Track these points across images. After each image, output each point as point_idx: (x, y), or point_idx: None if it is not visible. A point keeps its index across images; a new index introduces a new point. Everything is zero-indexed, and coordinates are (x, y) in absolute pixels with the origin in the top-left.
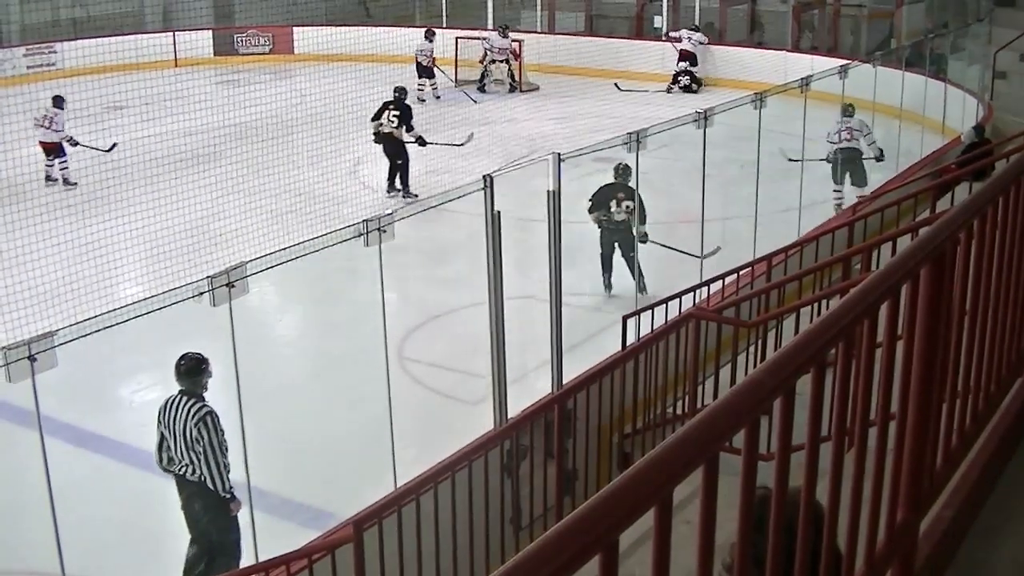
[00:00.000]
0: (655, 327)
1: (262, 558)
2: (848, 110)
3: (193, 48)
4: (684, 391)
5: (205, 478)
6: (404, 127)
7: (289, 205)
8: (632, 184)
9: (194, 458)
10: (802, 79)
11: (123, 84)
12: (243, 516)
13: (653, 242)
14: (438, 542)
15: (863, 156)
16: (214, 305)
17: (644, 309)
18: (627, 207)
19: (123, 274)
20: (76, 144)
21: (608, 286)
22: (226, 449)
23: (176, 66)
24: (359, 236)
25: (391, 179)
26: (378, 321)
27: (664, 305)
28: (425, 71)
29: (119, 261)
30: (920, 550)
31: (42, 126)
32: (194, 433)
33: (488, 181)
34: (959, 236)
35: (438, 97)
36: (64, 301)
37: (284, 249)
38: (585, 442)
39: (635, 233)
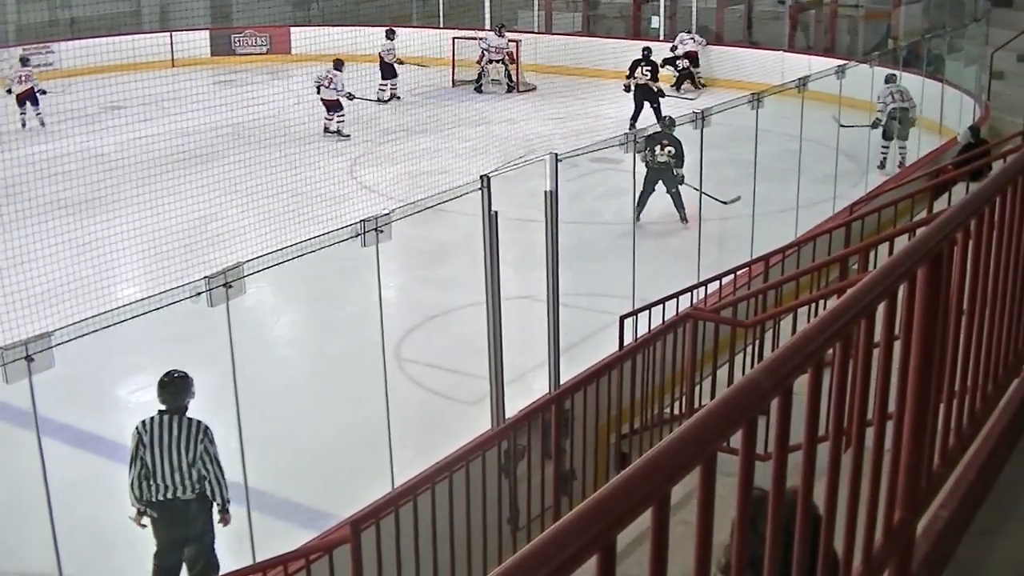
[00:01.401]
0: (652, 327)
1: (259, 558)
2: (892, 77)
3: (190, 48)
4: (681, 391)
5: (212, 491)
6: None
7: (286, 205)
8: (675, 134)
9: (195, 474)
10: (799, 79)
11: (120, 84)
12: (240, 516)
13: (687, 184)
14: (436, 542)
15: (911, 114)
16: (211, 305)
17: (641, 309)
18: (669, 152)
19: (120, 274)
20: (353, 98)
21: (637, 219)
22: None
23: (173, 66)
24: (356, 236)
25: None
26: (375, 321)
27: (661, 305)
28: (388, 70)
29: (116, 261)
30: (917, 550)
31: (323, 85)
32: (199, 450)
33: (485, 181)
34: (956, 236)
35: (398, 97)
36: (61, 301)
37: (281, 249)
38: (583, 442)
39: (675, 174)
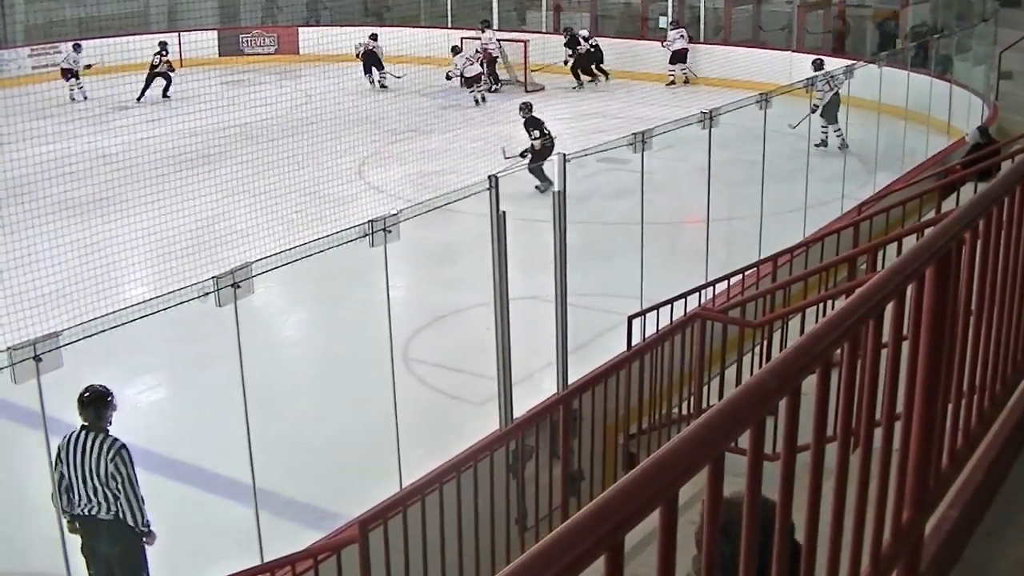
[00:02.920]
0: (660, 327)
1: (267, 558)
2: (818, 63)
3: (198, 48)
4: (690, 391)
5: (124, 514)
6: None
7: (294, 205)
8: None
9: (109, 494)
10: (807, 79)
11: (128, 84)
12: (248, 516)
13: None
14: (443, 543)
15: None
16: (219, 305)
17: (649, 310)
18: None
19: (128, 274)
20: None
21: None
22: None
23: (181, 66)
24: (364, 236)
25: None
26: (383, 321)
27: (669, 306)
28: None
29: (124, 261)
30: (925, 550)
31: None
32: (110, 469)
33: (493, 181)
34: (964, 236)
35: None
36: (69, 301)
37: (289, 249)
38: (591, 442)
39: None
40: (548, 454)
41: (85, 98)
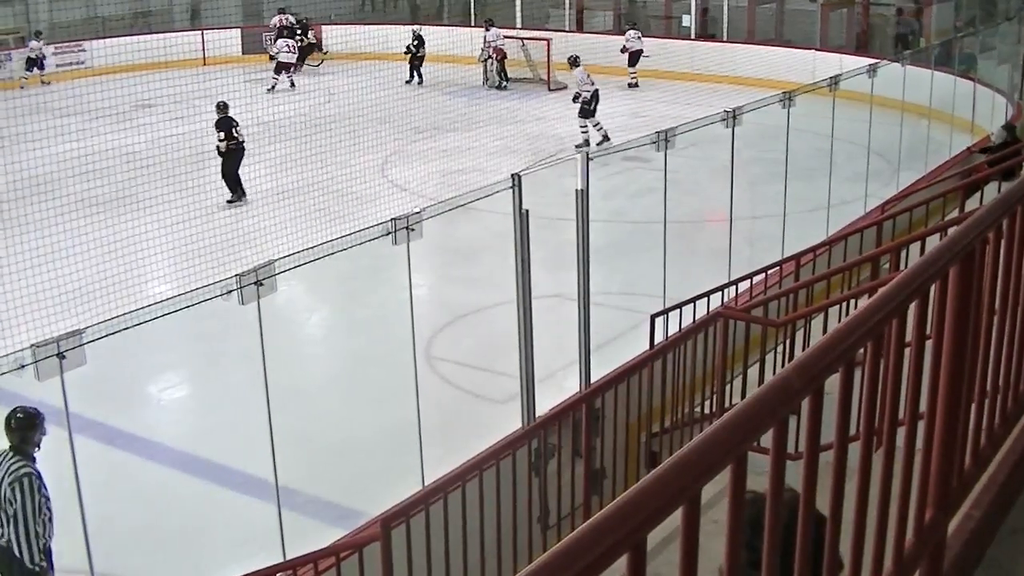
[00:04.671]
0: (683, 326)
1: (289, 556)
2: (576, 60)
3: (222, 47)
4: (712, 390)
5: (12, 544)
6: None
7: (318, 203)
8: None
9: (4, 519)
10: (831, 78)
11: (152, 82)
12: (271, 513)
13: None
14: (466, 541)
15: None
16: (243, 303)
17: (672, 308)
18: None
19: (151, 272)
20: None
21: None
22: (45, 517)
23: (204, 64)
24: (387, 235)
25: None
26: (406, 320)
27: (692, 304)
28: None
29: (147, 259)
30: (948, 550)
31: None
32: (7, 493)
33: (516, 180)
34: (988, 235)
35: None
36: (93, 299)
37: (312, 247)
38: (613, 441)
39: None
40: (570, 452)
41: (44, 83)
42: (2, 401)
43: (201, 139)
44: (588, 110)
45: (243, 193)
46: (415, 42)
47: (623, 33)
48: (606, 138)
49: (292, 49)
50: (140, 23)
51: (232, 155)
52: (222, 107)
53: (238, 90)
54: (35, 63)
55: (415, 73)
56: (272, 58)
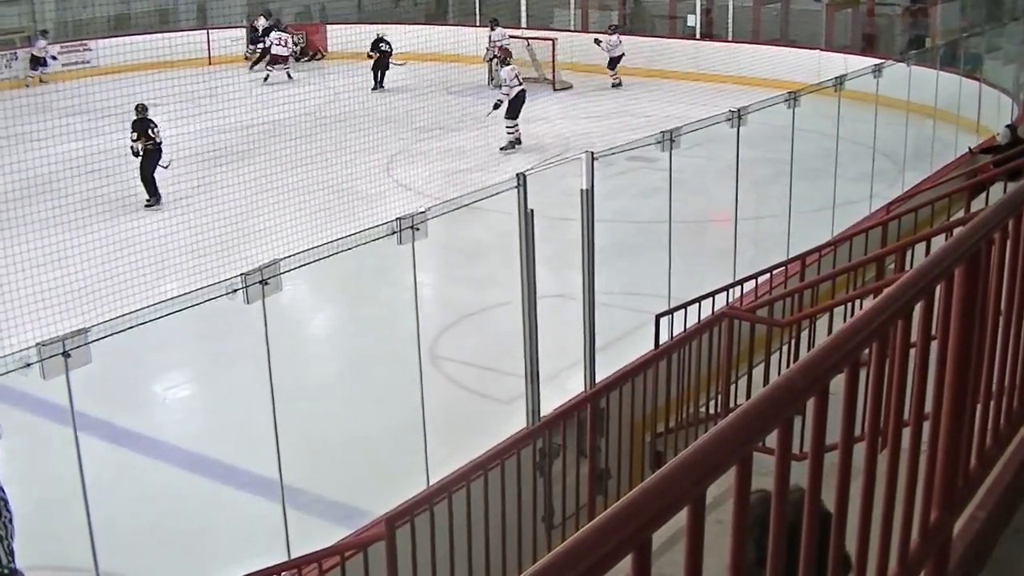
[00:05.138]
0: (688, 326)
1: (294, 555)
2: (507, 58)
3: (227, 46)
4: (717, 390)
5: None
6: None
7: (322, 202)
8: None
9: None
10: (836, 78)
11: (157, 82)
12: (276, 512)
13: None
14: (470, 540)
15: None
16: (247, 302)
17: (677, 308)
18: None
19: (156, 271)
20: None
21: None
22: (6, 519)
23: (210, 64)
24: (392, 234)
25: None
26: (411, 319)
27: (697, 304)
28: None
29: (152, 258)
30: (954, 550)
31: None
32: None
33: (521, 180)
34: (994, 236)
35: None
36: (98, 298)
37: (318, 247)
38: (618, 441)
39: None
40: (575, 452)
41: (43, 82)
42: (7, 400)
43: (205, 139)
44: (514, 111)
45: (159, 196)
46: (382, 45)
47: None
48: (517, 142)
49: (283, 42)
50: (145, 22)
51: (149, 156)
52: (140, 109)
53: (243, 89)
54: (39, 62)
55: (379, 76)
56: (247, 58)
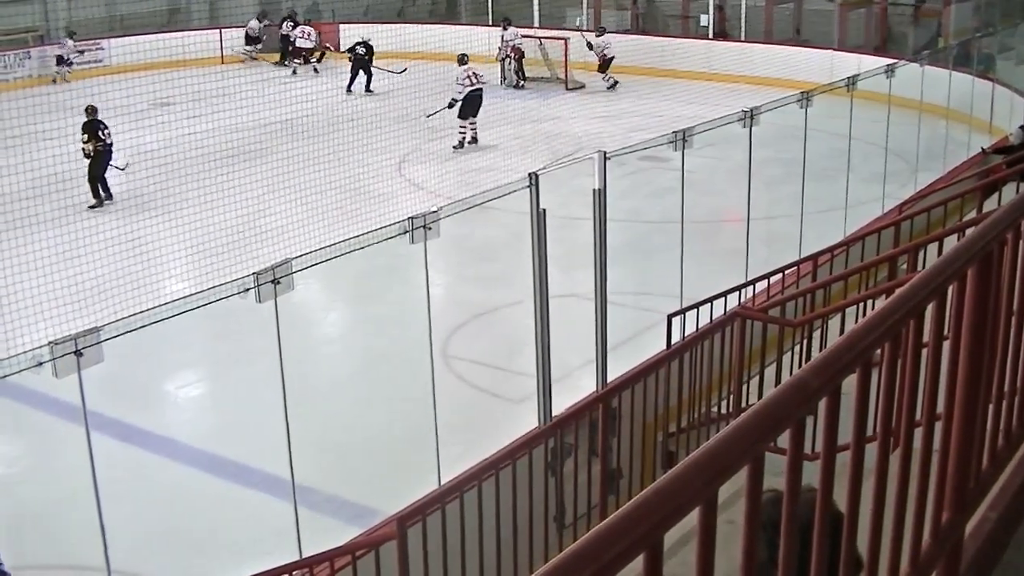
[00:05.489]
0: (700, 326)
1: (306, 554)
2: (464, 58)
3: (240, 45)
4: (729, 390)
5: None
6: None
7: (335, 202)
8: None
9: None
10: (848, 78)
11: (170, 81)
12: (287, 511)
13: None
14: (482, 540)
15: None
16: (260, 301)
17: (689, 308)
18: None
19: (169, 270)
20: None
21: None
22: None
23: (223, 63)
24: (404, 233)
25: None
26: (422, 318)
27: (709, 304)
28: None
29: (165, 257)
30: (965, 551)
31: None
32: None
33: (533, 179)
34: (1006, 236)
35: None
36: (110, 296)
37: (330, 246)
38: (630, 440)
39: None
40: (587, 452)
41: (66, 81)
42: (20, 398)
43: (219, 138)
44: (466, 111)
45: (106, 197)
46: (359, 48)
47: (595, 33)
48: (459, 145)
49: (308, 35)
50: (157, 22)
51: (99, 158)
52: (90, 111)
53: (255, 88)
54: (64, 61)
55: (361, 78)
56: (241, 60)
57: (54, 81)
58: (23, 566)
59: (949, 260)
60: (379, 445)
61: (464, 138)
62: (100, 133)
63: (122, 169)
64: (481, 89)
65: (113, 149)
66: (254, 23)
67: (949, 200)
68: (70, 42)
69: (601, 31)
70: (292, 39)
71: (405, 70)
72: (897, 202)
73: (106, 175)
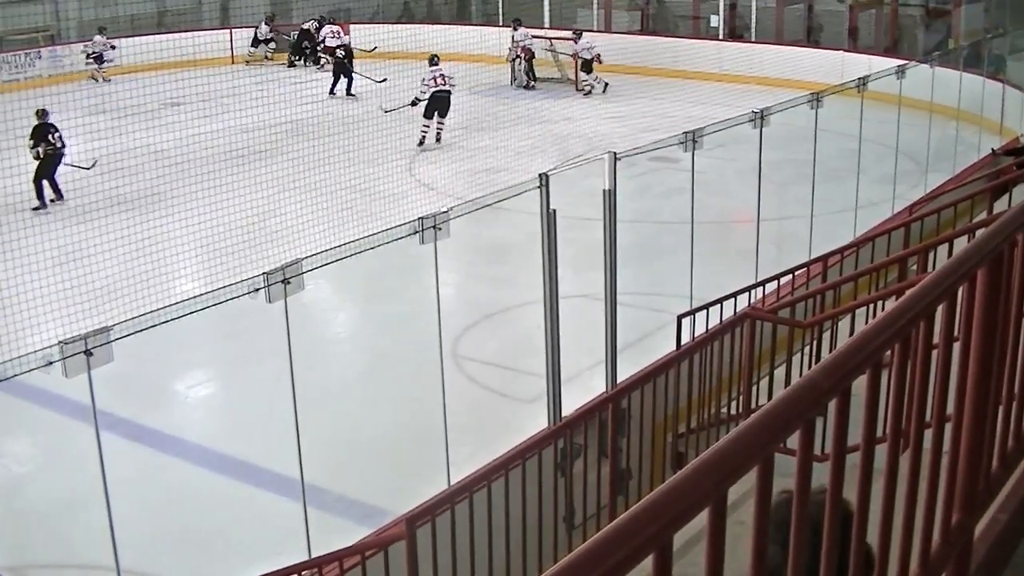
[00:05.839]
0: (710, 327)
1: (315, 554)
2: (435, 60)
3: (246, 47)
4: (739, 391)
5: None
6: None
7: (345, 202)
8: None
9: None
10: (859, 79)
11: (180, 81)
12: (297, 511)
13: None
14: (491, 540)
15: (450, 95)
16: (270, 302)
17: (699, 309)
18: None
19: (179, 270)
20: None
21: None
22: None
23: (233, 63)
24: (415, 233)
25: None
26: (433, 319)
27: (719, 305)
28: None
29: (175, 257)
30: (975, 553)
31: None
32: None
33: (544, 180)
34: (1017, 238)
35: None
36: (120, 296)
37: (340, 246)
38: (639, 441)
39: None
40: (596, 452)
41: (108, 80)
42: (30, 398)
43: (229, 138)
44: (430, 110)
45: (57, 198)
46: (342, 52)
47: (575, 34)
48: (420, 143)
49: (336, 34)
50: (168, 22)
51: (48, 160)
52: (40, 114)
53: (265, 88)
54: (99, 58)
55: (341, 83)
56: (247, 62)
57: (94, 79)
58: (32, 565)
59: (959, 261)
60: (388, 445)
61: (425, 136)
62: (50, 136)
63: (88, 168)
64: (448, 91)
65: (66, 152)
66: (264, 27)
67: (959, 201)
68: (99, 38)
69: (578, 34)
70: (321, 38)
71: (385, 80)
72: (907, 203)
73: (56, 176)
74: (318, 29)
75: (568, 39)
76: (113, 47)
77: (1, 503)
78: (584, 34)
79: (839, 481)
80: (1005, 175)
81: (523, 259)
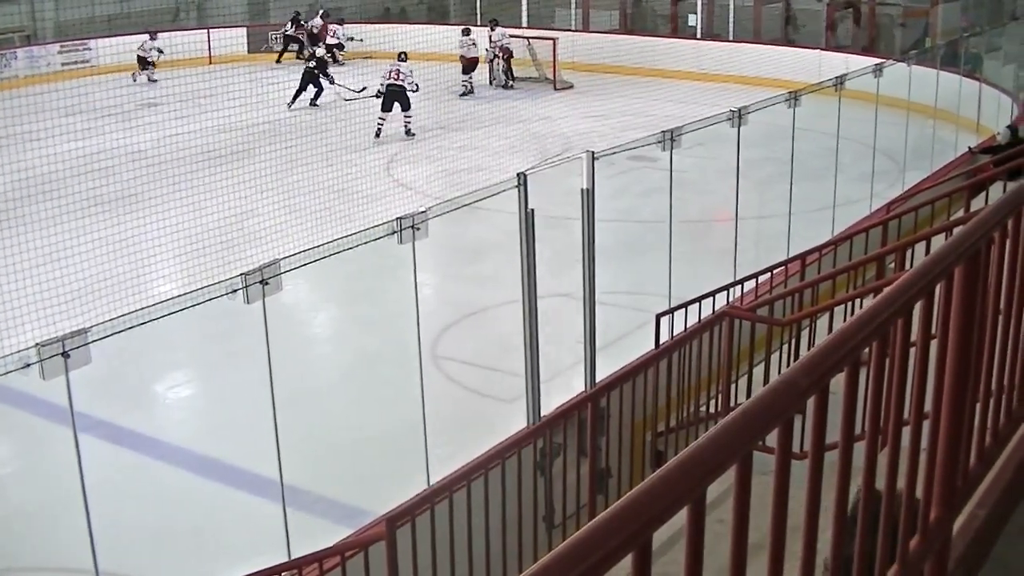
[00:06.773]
0: (688, 326)
1: (295, 555)
2: (402, 56)
3: (227, 45)
4: (717, 390)
5: None
6: None
7: (323, 202)
8: None
9: None
10: (837, 78)
11: (157, 81)
12: (276, 512)
13: None
14: (471, 540)
15: (406, 90)
16: (248, 303)
17: (678, 308)
18: None
19: (157, 271)
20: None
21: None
22: None
23: (210, 63)
24: (393, 234)
25: None
26: (412, 319)
27: (697, 304)
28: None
29: (153, 258)
30: (954, 549)
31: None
32: None
33: (522, 179)
34: (993, 235)
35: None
36: (98, 298)
37: (318, 247)
38: (618, 440)
39: None
40: (576, 452)
41: (155, 80)
42: (7, 400)
43: (205, 138)
44: (385, 104)
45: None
46: (313, 63)
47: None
48: (376, 135)
49: (334, 34)
50: (145, 22)
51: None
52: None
53: (244, 89)
54: (145, 62)
55: (308, 91)
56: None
57: (134, 79)
58: (11, 568)
59: (937, 259)
60: (368, 446)
61: (380, 128)
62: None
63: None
64: (401, 86)
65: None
66: (290, 26)
67: (937, 199)
68: (148, 40)
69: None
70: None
71: (364, 89)
72: (885, 201)
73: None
74: (319, 29)
75: (545, 38)
76: (160, 51)
77: None
78: (469, 35)
79: (818, 479)
80: (982, 173)
81: (502, 259)
